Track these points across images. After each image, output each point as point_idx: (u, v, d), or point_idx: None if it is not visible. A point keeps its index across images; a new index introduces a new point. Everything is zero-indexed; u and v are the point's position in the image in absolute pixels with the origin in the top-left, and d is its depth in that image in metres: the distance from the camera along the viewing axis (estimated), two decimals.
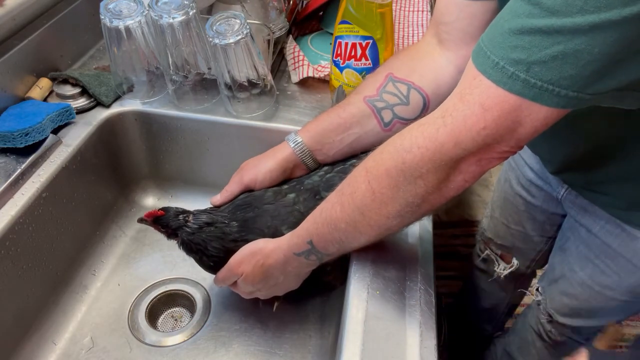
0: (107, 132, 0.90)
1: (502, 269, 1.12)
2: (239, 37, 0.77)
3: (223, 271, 0.71)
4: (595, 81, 0.43)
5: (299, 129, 0.75)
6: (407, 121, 0.70)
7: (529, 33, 0.43)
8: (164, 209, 0.72)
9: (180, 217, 0.71)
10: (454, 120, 0.49)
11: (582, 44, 0.41)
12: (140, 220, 0.73)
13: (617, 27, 0.40)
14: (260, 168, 0.74)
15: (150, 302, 0.85)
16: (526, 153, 0.95)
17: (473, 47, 0.50)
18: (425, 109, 0.71)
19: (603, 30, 0.40)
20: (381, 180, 0.55)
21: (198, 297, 0.85)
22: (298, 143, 0.73)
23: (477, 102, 0.47)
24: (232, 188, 0.75)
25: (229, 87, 0.85)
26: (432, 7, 1.24)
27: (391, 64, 0.74)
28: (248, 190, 0.75)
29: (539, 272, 1.10)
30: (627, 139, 0.66)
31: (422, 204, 0.54)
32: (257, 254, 0.67)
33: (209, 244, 0.70)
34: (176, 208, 0.72)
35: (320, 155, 0.74)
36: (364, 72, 0.87)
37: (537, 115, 0.46)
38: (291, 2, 1.03)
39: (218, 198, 0.75)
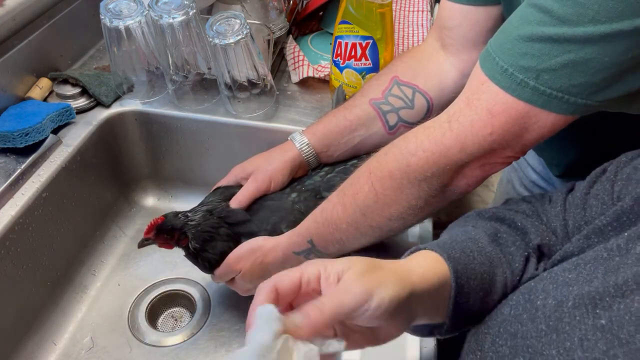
0: (107, 132, 0.90)
1: None
2: (239, 37, 0.77)
3: (222, 267, 0.71)
4: (604, 88, 0.43)
5: (303, 129, 0.75)
6: (410, 125, 0.70)
7: (539, 41, 0.43)
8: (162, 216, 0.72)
9: (180, 215, 0.71)
10: (460, 125, 0.49)
11: (593, 53, 0.41)
12: (143, 244, 0.71)
13: (628, 37, 0.40)
14: (272, 170, 0.73)
15: (150, 302, 0.85)
16: (529, 155, 0.95)
17: (477, 53, 0.50)
18: (429, 113, 0.71)
19: (614, 39, 0.40)
20: (384, 182, 0.55)
21: (198, 297, 0.85)
22: (304, 143, 0.73)
23: (485, 108, 0.47)
24: (249, 195, 0.72)
25: (229, 87, 0.85)
26: (432, 7, 1.24)
27: (395, 66, 0.74)
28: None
29: None
30: (633, 142, 0.66)
31: (424, 206, 0.54)
32: (256, 251, 0.67)
33: (218, 229, 0.70)
34: (171, 212, 0.72)
35: (325, 156, 0.74)
36: (364, 72, 0.87)
37: (545, 122, 0.46)
38: (291, 2, 1.03)
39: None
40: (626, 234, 0.39)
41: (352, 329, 0.42)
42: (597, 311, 0.36)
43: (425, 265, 0.45)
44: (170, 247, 0.72)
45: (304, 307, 0.38)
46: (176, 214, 0.71)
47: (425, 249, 0.47)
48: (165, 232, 0.70)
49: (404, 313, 0.41)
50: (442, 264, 0.45)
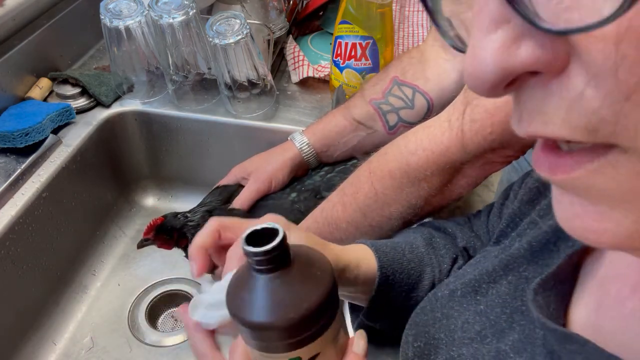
0: (107, 132, 0.90)
1: None
2: (239, 37, 0.77)
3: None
4: None
5: (303, 129, 0.75)
6: (410, 125, 0.70)
7: None
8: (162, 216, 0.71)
9: (179, 216, 0.71)
10: (460, 124, 0.49)
11: None
12: (142, 244, 0.71)
13: None
14: (272, 170, 0.73)
15: (150, 302, 0.85)
16: (529, 154, 0.95)
17: None
18: (429, 113, 0.71)
19: None
20: (384, 182, 0.55)
21: None
22: (304, 143, 0.73)
23: (484, 107, 0.47)
24: (250, 196, 0.73)
25: (229, 87, 0.85)
26: None
27: (396, 66, 0.74)
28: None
29: None
30: None
31: (424, 206, 0.54)
32: None
33: None
34: (171, 213, 0.72)
35: (325, 156, 0.74)
36: (364, 72, 0.87)
37: None
38: (291, 2, 1.03)
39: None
40: (514, 233, 0.43)
41: None
42: (478, 297, 0.41)
43: (356, 253, 0.49)
44: (169, 247, 0.72)
45: None
46: (175, 214, 0.71)
47: (361, 243, 0.52)
48: (165, 233, 0.70)
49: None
50: (372, 256, 0.49)
